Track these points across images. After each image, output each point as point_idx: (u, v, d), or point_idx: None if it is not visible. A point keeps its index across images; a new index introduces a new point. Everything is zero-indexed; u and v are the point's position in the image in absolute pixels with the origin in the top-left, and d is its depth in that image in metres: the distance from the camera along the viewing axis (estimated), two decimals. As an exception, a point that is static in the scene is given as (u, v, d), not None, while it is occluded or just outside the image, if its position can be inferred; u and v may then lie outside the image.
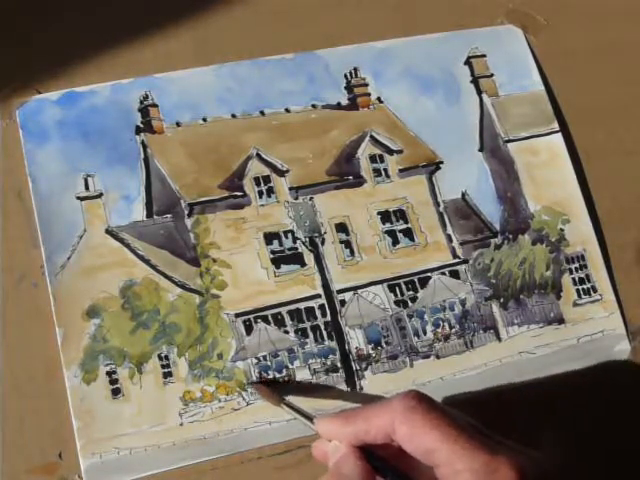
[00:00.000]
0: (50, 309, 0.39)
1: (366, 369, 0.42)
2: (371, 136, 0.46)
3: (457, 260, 0.45)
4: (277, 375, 0.41)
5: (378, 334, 0.43)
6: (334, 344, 0.42)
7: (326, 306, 0.42)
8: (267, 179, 0.44)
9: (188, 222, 0.42)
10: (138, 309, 0.41)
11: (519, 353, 0.43)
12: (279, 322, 0.42)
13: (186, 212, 0.42)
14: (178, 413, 0.39)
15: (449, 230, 0.45)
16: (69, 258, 0.40)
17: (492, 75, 0.48)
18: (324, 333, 0.42)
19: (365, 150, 0.45)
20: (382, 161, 0.46)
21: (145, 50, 0.45)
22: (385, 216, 0.45)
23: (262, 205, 0.44)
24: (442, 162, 0.46)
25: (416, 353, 0.43)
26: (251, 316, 0.42)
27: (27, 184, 0.41)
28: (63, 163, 0.42)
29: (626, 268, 0.46)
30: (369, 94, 0.47)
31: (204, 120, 0.44)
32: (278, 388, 0.41)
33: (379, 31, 0.48)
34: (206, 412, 0.40)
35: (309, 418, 0.36)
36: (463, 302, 0.44)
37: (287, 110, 0.45)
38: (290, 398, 0.39)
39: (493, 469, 0.30)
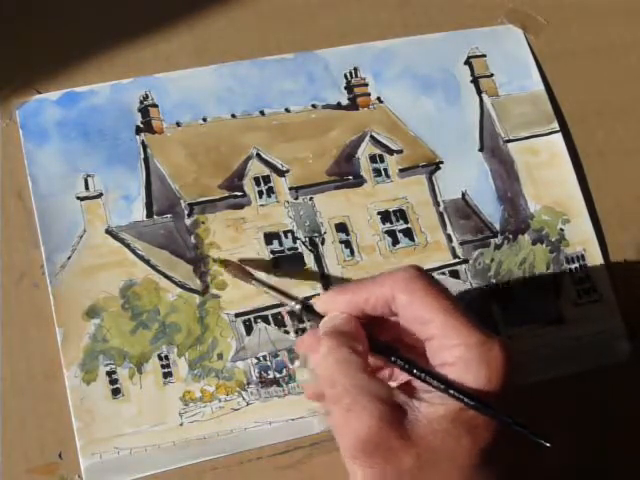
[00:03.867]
0: (50, 309, 0.39)
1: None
2: (371, 136, 0.46)
3: (457, 260, 0.45)
4: (277, 375, 0.41)
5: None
6: (334, 344, 0.42)
7: (326, 306, 0.42)
8: (267, 179, 0.44)
9: (188, 222, 0.42)
10: (138, 309, 0.41)
11: (518, 353, 0.43)
12: (279, 322, 0.42)
13: (186, 212, 0.42)
14: (178, 413, 0.39)
15: (449, 230, 0.45)
16: (69, 258, 0.40)
17: (492, 75, 0.48)
18: (324, 333, 0.42)
19: (365, 150, 0.45)
20: (382, 161, 0.46)
21: (145, 50, 0.45)
22: (385, 216, 0.45)
23: (262, 205, 0.44)
24: (442, 162, 0.46)
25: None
26: (251, 316, 0.42)
27: (27, 184, 0.41)
28: (63, 163, 0.42)
29: (626, 268, 0.46)
30: (369, 94, 0.47)
31: (204, 120, 0.44)
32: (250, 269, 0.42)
33: (379, 31, 0.48)
34: (206, 412, 0.40)
35: (287, 296, 0.38)
36: (463, 302, 0.44)
37: (287, 110, 0.45)
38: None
39: (488, 348, 0.31)
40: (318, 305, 0.35)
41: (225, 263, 0.41)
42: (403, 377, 0.34)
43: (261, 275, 0.41)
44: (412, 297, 0.32)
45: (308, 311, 0.36)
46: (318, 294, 0.42)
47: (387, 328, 0.34)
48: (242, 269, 0.41)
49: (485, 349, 0.31)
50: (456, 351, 0.31)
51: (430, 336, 0.32)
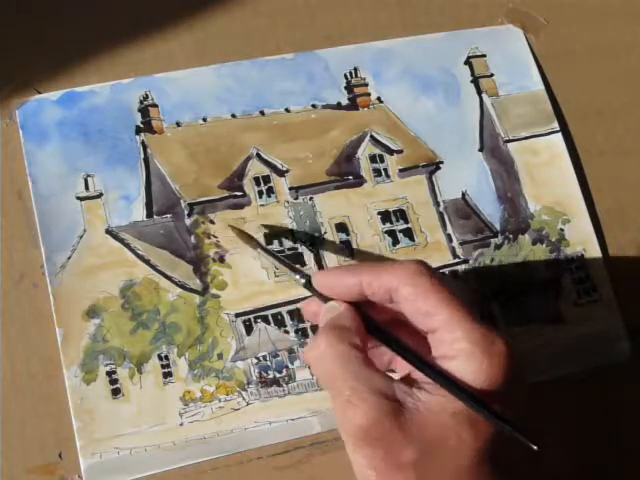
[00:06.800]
0: (50, 309, 0.39)
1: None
2: (371, 136, 0.46)
3: (457, 260, 0.45)
4: (277, 375, 0.41)
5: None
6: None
7: (326, 306, 0.42)
8: (267, 179, 0.44)
9: (188, 222, 0.42)
10: (138, 309, 0.41)
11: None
12: (279, 322, 0.42)
13: (186, 212, 0.42)
14: (178, 413, 0.39)
15: (449, 230, 0.45)
16: (69, 258, 0.40)
17: (492, 75, 0.48)
18: (324, 333, 0.42)
19: (365, 150, 0.45)
20: (382, 161, 0.46)
21: (145, 50, 0.45)
22: (385, 216, 0.45)
23: (262, 205, 0.44)
24: (442, 162, 0.46)
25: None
26: (251, 316, 0.42)
27: (27, 184, 0.41)
28: (63, 163, 0.42)
29: (626, 268, 0.46)
30: (369, 94, 0.47)
31: (204, 120, 0.44)
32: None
33: (379, 31, 0.48)
34: (206, 412, 0.40)
35: (291, 267, 0.37)
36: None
37: (287, 110, 0.45)
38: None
39: (490, 342, 0.31)
40: (317, 282, 0.35)
41: (234, 229, 0.41)
42: (405, 366, 0.34)
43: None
44: (417, 290, 0.32)
45: (312, 286, 0.36)
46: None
47: (384, 310, 0.34)
48: (248, 236, 0.41)
49: (488, 343, 0.31)
50: (459, 344, 0.31)
51: (433, 328, 0.32)
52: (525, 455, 0.30)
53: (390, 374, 0.32)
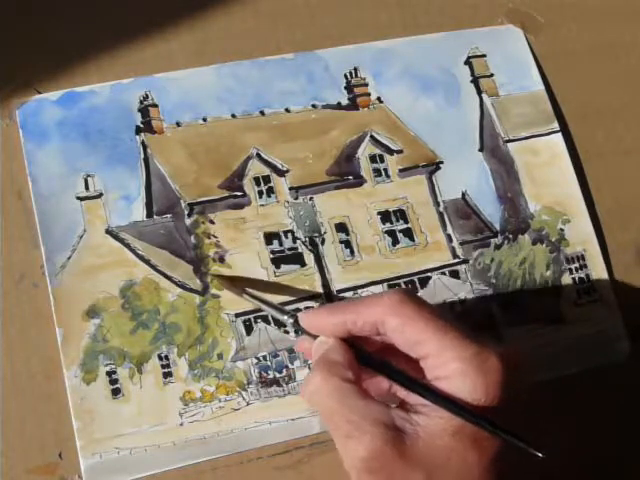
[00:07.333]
0: (50, 309, 0.39)
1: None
2: (371, 136, 0.46)
3: (457, 260, 0.45)
4: (277, 375, 0.41)
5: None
6: (334, 344, 0.42)
7: (326, 306, 0.42)
8: (267, 179, 0.44)
9: (188, 222, 0.42)
10: (138, 309, 0.41)
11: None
12: (279, 322, 0.42)
13: (186, 212, 0.42)
14: (178, 413, 0.39)
15: (449, 230, 0.45)
16: (69, 258, 0.40)
17: (492, 75, 0.48)
18: (324, 333, 0.42)
19: (365, 150, 0.45)
20: (382, 161, 0.46)
21: (145, 50, 0.45)
22: (385, 216, 0.45)
23: (262, 205, 0.44)
24: (442, 162, 0.46)
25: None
26: (251, 316, 0.42)
27: (27, 184, 0.41)
28: (63, 163, 0.42)
29: (626, 268, 0.46)
30: (369, 94, 0.47)
31: (204, 120, 0.44)
32: (241, 282, 0.41)
33: (379, 31, 0.48)
34: (206, 412, 0.40)
35: (278, 309, 0.38)
36: (463, 302, 0.44)
37: (287, 110, 0.45)
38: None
39: (483, 359, 0.31)
40: (304, 323, 0.35)
41: (216, 277, 0.41)
42: (401, 392, 0.34)
43: (255, 289, 0.41)
44: (403, 320, 0.32)
45: (300, 325, 0.36)
46: (318, 294, 0.42)
47: (374, 340, 0.34)
48: (232, 283, 0.41)
49: (481, 360, 0.30)
50: (451, 365, 0.31)
51: (424, 355, 0.32)
52: (528, 466, 0.30)
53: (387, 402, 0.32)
